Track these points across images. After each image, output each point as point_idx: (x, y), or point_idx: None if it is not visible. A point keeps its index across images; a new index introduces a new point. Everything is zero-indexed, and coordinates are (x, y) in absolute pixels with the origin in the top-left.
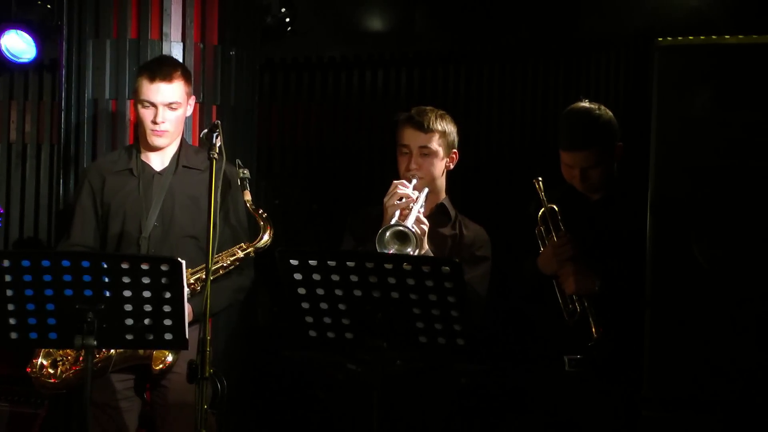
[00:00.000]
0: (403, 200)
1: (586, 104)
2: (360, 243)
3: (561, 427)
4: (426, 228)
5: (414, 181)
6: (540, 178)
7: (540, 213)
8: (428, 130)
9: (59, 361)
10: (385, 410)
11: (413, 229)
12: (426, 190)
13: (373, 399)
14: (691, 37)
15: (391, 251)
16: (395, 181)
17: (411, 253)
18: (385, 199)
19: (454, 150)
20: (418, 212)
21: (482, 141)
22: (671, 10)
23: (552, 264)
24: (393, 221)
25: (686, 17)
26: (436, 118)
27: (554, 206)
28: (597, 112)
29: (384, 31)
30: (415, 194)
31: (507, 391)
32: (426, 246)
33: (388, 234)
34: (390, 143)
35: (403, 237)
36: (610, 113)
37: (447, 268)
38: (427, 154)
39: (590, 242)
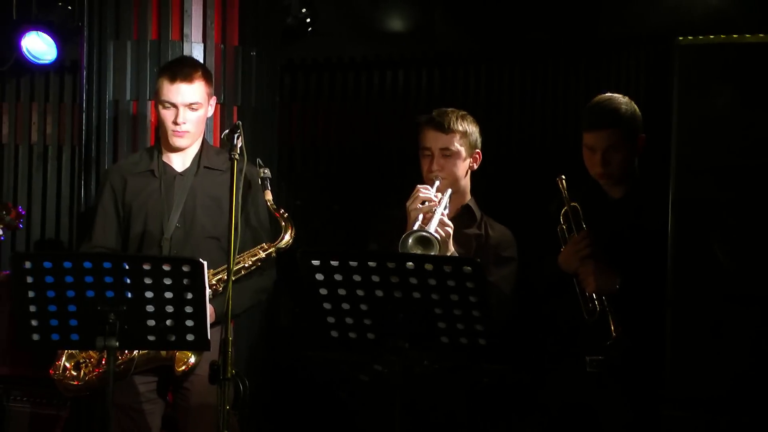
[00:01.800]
0: (426, 204)
1: (610, 94)
2: (383, 247)
3: (581, 427)
4: (450, 230)
5: (437, 183)
6: (563, 176)
7: (562, 211)
8: (449, 131)
9: (82, 363)
10: (409, 410)
11: (436, 234)
12: (449, 191)
13: (396, 399)
14: (711, 36)
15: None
16: (418, 186)
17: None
18: (408, 203)
19: (477, 150)
20: (442, 215)
21: (503, 141)
22: (692, 9)
23: (572, 262)
24: (416, 226)
25: (707, 16)
26: (456, 119)
27: (576, 204)
28: (621, 98)
29: (404, 31)
30: (438, 197)
31: (527, 390)
32: (451, 248)
33: (411, 240)
34: (411, 143)
35: (426, 242)
36: (635, 105)
37: (468, 268)
38: (449, 155)
39: (611, 241)
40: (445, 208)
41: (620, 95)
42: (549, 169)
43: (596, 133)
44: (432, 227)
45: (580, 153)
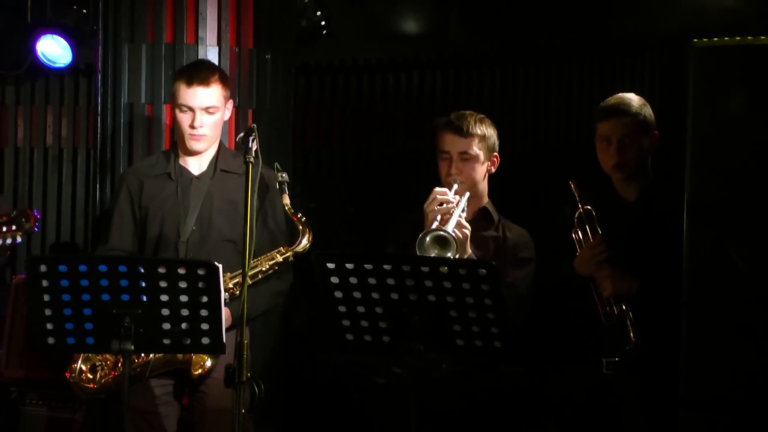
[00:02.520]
0: (444, 206)
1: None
2: (400, 249)
3: (598, 429)
4: (468, 232)
5: (455, 186)
6: (575, 180)
7: (576, 215)
8: (468, 135)
9: (98, 365)
10: (425, 414)
11: (453, 234)
12: (467, 194)
13: (410, 402)
14: (726, 38)
15: (431, 255)
16: (435, 188)
17: (452, 257)
18: (426, 205)
19: (495, 153)
20: (459, 216)
21: (517, 143)
22: (706, 11)
23: (588, 266)
24: (433, 225)
25: (721, 18)
26: (475, 123)
27: (590, 207)
28: (635, 96)
29: (418, 34)
30: (456, 199)
31: (544, 392)
32: (469, 250)
33: (428, 239)
34: (426, 145)
35: (443, 242)
36: (648, 104)
37: (484, 270)
38: (468, 158)
39: (626, 243)
40: (462, 211)
41: (633, 94)
42: (564, 172)
43: (611, 122)
44: (449, 227)
45: (595, 155)
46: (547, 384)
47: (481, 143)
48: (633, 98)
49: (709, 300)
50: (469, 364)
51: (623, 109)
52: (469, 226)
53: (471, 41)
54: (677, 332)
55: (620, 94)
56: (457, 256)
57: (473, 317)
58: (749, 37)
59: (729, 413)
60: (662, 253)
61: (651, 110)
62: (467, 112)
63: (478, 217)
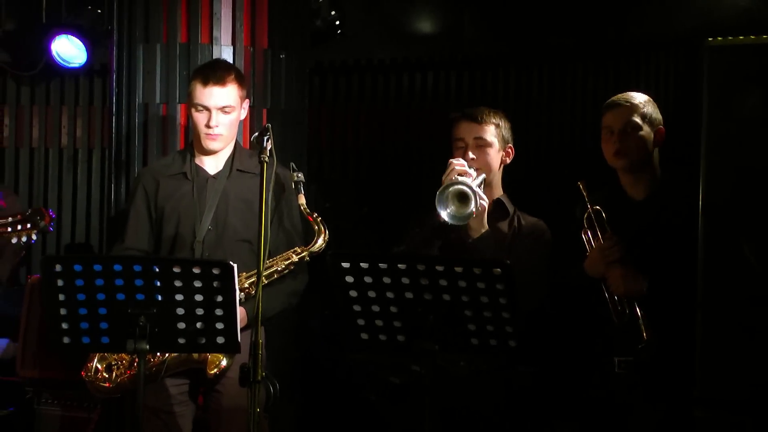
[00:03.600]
0: (462, 176)
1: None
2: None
3: (612, 429)
4: (485, 204)
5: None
6: (584, 180)
7: (585, 215)
8: (482, 122)
9: (114, 365)
10: (441, 413)
11: (474, 188)
12: (483, 175)
13: (426, 401)
14: (741, 38)
15: (449, 210)
16: (452, 160)
17: (473, 212)
18: (444, 176)
19: (510, 145)
20: (478, 188)
21: (532, 143)
22: (721, 10)
23: (599, 266)
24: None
25: (736, 17)
26: (489, 112)
27: (599, 208)
28: (642, 93)
29: (433, 34)
30: (473, 172)
31: (559, 393)
32: (486, 225)
33: (449, 190)
34: (440, 144)
35: (463, 197)
36: (654, 102)
37: (498, 270)
38: (483, 145)
39: (635, 243)
40: (480, 185)
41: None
42: (578, 172)
43: (614, 111)
44: (472, 183)
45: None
46: (560, 383)
47: (495, 130)
48: (637, 94)
49: (724, 299)
50: (485, 362)
51: (625, 100)
52: (486, 198)
53: (485, 41)
54: (689, 330)
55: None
56: (475, 211)
57: (488, 316)
58: (764, 36)
59: (744, 412)
60: (672, 251)
61: (656, 107)
62: (481, 105)
63: (493, 209)
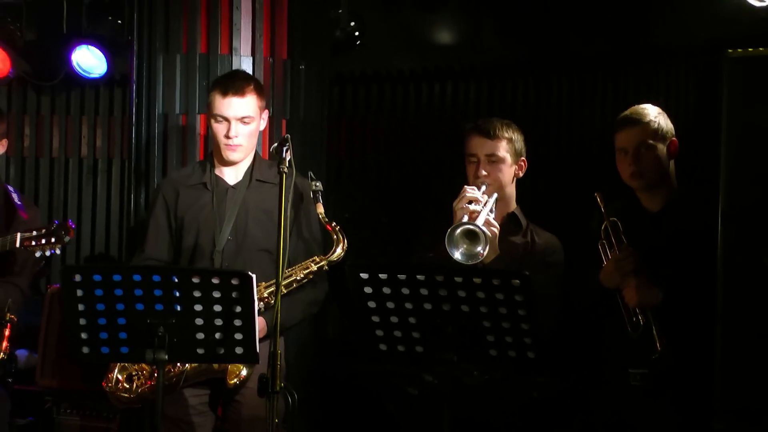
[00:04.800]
0: (473, 204)
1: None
2: (429, 251)
3: None
4: (497, 231)
5: (483, 188)
6: (600, 192)
7: (602, 227)
8: (494, 137)
9: (134, 375)
10: (458, 423)
11: (483, 228)
12: (495, 195)
13: (444, 411)
14: (761, 48)
15: (461, 250)
16: (465, 186)
17: (481, 252)
18: (455, 203)
19: (522, 158)
20: (488, 215)
21: (552, 153)
22: (740, 21)
23: (614, 277)
24: (464, 219)
25: (756, 29)
26: (501, 126)
27: (616, 219)
28: (651, 105)
29: (452, 44)
30: (484, 198)
31: (575, 404)
32: (497, 250)
33: (457, 232)
34: (459, 155)
35: (472, 236)
36: (664, 113)
37: (517, 281)
38: (495, 160)
39: (651, 254)
40: (491, 211)
41: (650, 104)
42: (598, 181)
43: (626, 131)
44: (479, 222)
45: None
46: (576, 395)
47: (508, 145)
48: (647, 107)
49: (744, 309)
50: (498, 371)
51: (636, 118)
52: (497, 225)
53: (504, 51)
54: (708, 341)
55: (636, 105)
56: (486, 252)
57: (506, 327)
58: None
59: (766, 423)
60: (688, 262)
61: (667, 118)
62: (494, 117)
63: (506, 222)
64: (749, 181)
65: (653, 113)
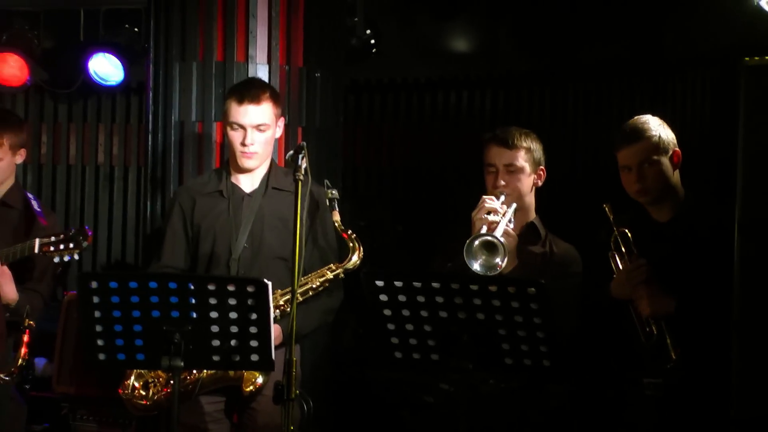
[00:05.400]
0: (492, 215)
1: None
2: (449, 260)
3: None
4: (515, 242)
5: (502, 198)
6: (609, 203)
7: (612, 238)
8: (513, 147)
9: (150, 382)
10: (470, 430)
11: (501, 239)
12: (514, 205)
13: (459, 419)
14: None
15: (479, 261)
16: (484, 196)
17: (499, 264)
18: (474, 213)
19: (541, 167)
20: (506, 225)
21: (567, 162)
22: (758, 29)
23: (625, 288)
24: (482, 231)
25: None
26: (520, 135)
27: (625, 230)
28: (651, 117)
29: (468, 52)
30: (503, 208)
31: (586, 412)
32: (515, 261)
33: (476, 243)
34: (475, 163)
35: (491, 247)
36: (665, 124)
37: (533, 289)
38: (514, 170)
39: (662, 264)
40: (510, 221)
41: (650, 115)
42: (614, 190)
43: (628, 149)
44: (497, 233)
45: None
46: (590, 404)
47: (527, 155)
48: (647, 120)
49: (761, 317)
50: (515, 380)
51: (637, 135)
52: (515, 236)
53: (521, 60)
54: (721, 350)
55: (635, 118)
56: (504, 263)
57: (522, 336)
58: None
59: None
60: (700, 271)
61: (667, 128)
62: (512, 126)
63: (525, 232)
64: (766, 188)
65: (653, 126)
